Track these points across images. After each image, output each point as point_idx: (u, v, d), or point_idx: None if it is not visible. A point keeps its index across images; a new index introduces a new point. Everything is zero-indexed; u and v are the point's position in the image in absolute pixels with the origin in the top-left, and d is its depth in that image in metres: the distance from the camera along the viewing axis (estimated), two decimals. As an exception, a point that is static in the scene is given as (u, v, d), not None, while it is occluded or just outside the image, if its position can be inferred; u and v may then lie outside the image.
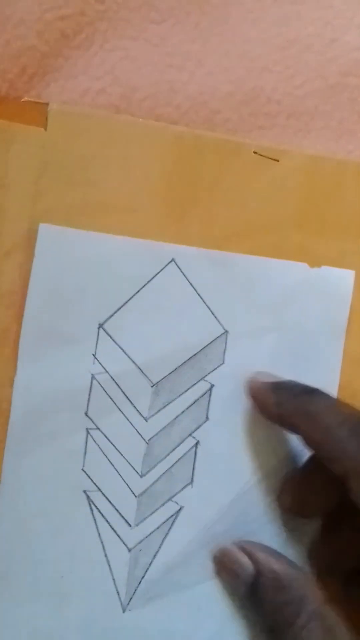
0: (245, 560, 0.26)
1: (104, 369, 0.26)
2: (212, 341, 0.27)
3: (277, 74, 0.29)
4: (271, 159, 0.28)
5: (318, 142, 0.29)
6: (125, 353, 0.26)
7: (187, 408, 0.27)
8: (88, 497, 0.26)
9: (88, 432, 0.26)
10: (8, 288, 0.26)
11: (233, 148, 0.27)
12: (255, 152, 0.28)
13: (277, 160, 0.28)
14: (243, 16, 0.28)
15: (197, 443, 0.27)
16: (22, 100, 0.26)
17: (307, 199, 0.28)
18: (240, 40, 0.28)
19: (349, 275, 0.28)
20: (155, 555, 0.27)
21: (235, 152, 0.27)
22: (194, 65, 0.28)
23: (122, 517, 0.27)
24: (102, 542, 0.26)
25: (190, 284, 0.27)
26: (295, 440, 0.27)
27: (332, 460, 0.25)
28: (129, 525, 0.27)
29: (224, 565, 0.27)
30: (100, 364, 0.26)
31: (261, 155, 0.28)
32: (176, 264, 0.27)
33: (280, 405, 0.26)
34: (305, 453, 0.27)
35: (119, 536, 0.27)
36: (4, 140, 0.25)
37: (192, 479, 0.27)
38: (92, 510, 0.26)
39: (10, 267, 0.25)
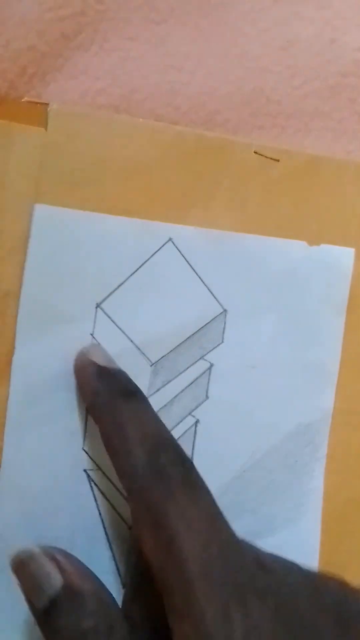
0: (52, 570, 0.22)
1: None
2: (211, 320, 0.27)
3: (277, 74, 0.29)
4: (271, 159, 0.28)
5: (318, 142, 0.29)
6: (123, 332, 0.26)
7: (186, 387, 0.27)
8: (88, 476, 0.26)
9: (87, 412, 0.26)
10: (8, 288, 0.26)
11: (233, 148, 0.27)
12: (255, 152, 0.28)
13: (277, 160, 0.28)
14: (243, 16, 0.28)
15: (197, 422, 0.27)
16: (22, 100, 0.26)
17: (307, 199, 0.28)
18: (240, 40, 0.28)
19: (349, 252, 0.29)
20: None
21: (235, 152, 0.27)
22: (194, 65, 0.28)
23: (123, 496, 0.26)
24: (102, 520, 0.26)
25: (188, 263, 0.27)
26: (295, 419, 0.27)
27: (121, 475, 0.23)
28: None
29: (25, 571, 0.22)
30: (98, 343, 0.26)
31: (261, 155, 0.28)
32: (173, 244, 0.27)
33: (95, 397, 0.25)
34: (304, 435, 0.28)
35: (119, 514, 0.27)
36: (4, 140, 0.25)
37: (191, 457, 0.27)
38: (92, 489, 0.26)
39: (11, 267, 0.25)
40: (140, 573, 0.24)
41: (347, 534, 0.30)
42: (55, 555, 0.23)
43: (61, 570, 0.22)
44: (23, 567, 0.22)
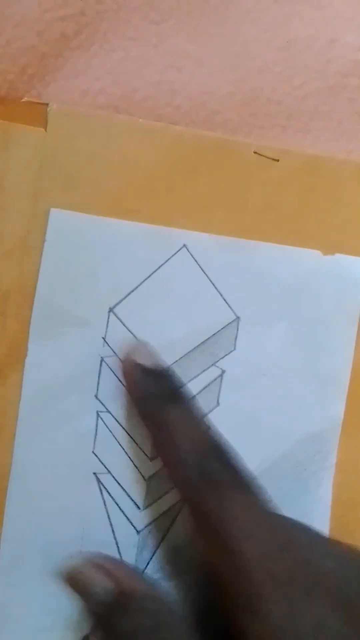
0: (103, 579, 0.23)
1: (114, 352, 0.26)
2: (224, 327, 0.27)
3: (277, 74, 0.29)
4: (271, 159, 0.28)
5: (318, 142, 0.29)
6: (135, 337, 0.27)
7: (197, 393, 0.27)
8: (98, 479, 0.26)
9: (98, 415, 0.26)
10: (8, 288, 0.26)
11: (233, 148, 0.27)
12: (255, 152, 0.28)
13: (277, 160, 0.28)
14: (243, 16, 0.28)
15: None
16: (22, 100, 0.26)
17: (307, 199, 0.28)
18: (240, 40, 0.28)
19: None
20: (163, 538, 0.27)
21: (235, 152, 0.27)
22: (194, 65, 0.28)
23: (132, 499, 0.27)
24: (111, 524, 0.27)
25: (202, 269, 0.27)
26: (305, 428, 0.27)
27: (175, 484, 0.24)
28: (138, 507, 0.27)
29: (78, 586, 0.23)
30: (109, 347, 0.26)
31: (261, 155, 0.28)
32: (187, 250, 0.27)
33: (142, 403, 0.25)
34: (313, 443, 0.28)
35: (128, 518, 0.27)
36: (4, 140, 0.25)
37: None
38: (101, 492, 0.26)
39: (10, 267, 0.25)
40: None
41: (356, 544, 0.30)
42: (103, 563, 0.23)
43: (112, 576, 0.23)
44: (75, 582, 0.23)
